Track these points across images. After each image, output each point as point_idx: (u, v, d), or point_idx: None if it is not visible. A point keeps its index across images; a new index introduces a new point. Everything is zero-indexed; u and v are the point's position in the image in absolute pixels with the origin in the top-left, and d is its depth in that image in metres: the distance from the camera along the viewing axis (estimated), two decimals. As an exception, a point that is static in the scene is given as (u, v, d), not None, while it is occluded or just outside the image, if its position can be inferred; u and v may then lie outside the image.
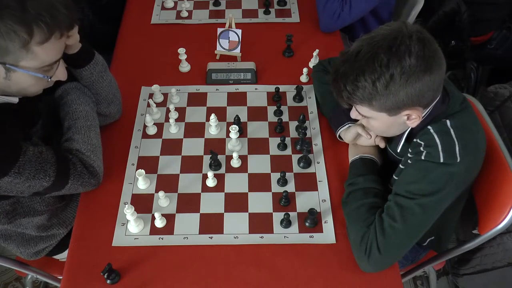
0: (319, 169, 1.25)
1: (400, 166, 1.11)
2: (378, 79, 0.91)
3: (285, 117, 1.38)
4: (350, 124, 1.23)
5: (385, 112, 0.99)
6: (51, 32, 0.92)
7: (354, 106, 1.05)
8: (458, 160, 0.97)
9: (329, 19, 1.61)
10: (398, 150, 1.14)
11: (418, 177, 1.00)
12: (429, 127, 1.02)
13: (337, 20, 1.60)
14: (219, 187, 1.22)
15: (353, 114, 1.08)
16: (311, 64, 1.54)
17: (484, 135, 1.06)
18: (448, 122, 1.01)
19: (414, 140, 1.05)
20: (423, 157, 1.00)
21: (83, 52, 1.15)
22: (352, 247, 1.06)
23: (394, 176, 1.14)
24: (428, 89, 0.94)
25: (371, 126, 1.08)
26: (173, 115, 1.37)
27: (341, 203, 1.16)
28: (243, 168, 1.26)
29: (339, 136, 1.27)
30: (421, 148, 1.01)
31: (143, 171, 1.18)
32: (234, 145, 1.29)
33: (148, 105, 1.40)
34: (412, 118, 0.99)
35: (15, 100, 1.03)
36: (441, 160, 0.98)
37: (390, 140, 1.19)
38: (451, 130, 1.00)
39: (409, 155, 1.06)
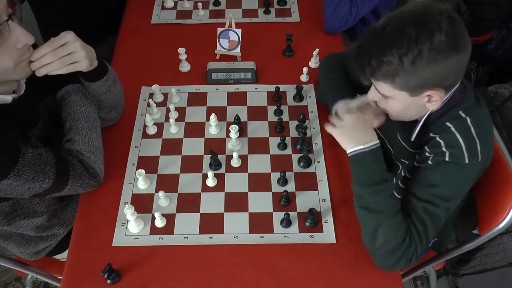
0: (319, 168, 1.25)
1: (415, 164, 1.06)
2: (405, 54, 0.88)
3: (285, 117, 1.38)
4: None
5: (407, 91, 0.95)
6: None
7: (373, 85, 1.01)
8: (480, 159, 0.97)
9: (337, 23, 1.61)
10: (412, 139, 1.09)
11: (443, 180, 0.98)
12: (449, 124, 0.99)
13: (344, 24, 1.61)
14: (219, 187, 1.21)
15: (371, 94, 1.03)
16: (311, 64, 1.54)
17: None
18: (468, 120, 0.98)
19: (431, 135, 1.02)
20: (447, 158, 0.98)
21: (97, 70, 1.14)
22: (379, 250, 1.00)
23: (405, 173, 1.10)
24: (453, 70, 0.91)
25: (389, 107, 1.03)
26: (173, 115, 1.37)
27: (342, 204, 1.15)
28: (243, 168, 1.26)
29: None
30: (443, 149, 0.99)
31: (143, 171, 1.17)
32: (234, 145, 1.29)
33: (148, 105, 1.40)
34: (433, 100, 0.96)
35: (8, 98, 1.02)
36: (466, 161, 0.96)
37: (400, 130, 1.15)
38: (472, 129, 0.98)
39: (427, 154, 1.02)
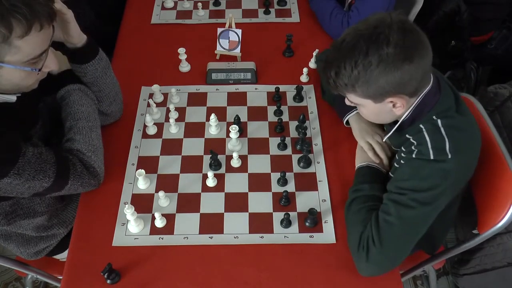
0: (319, 169, 1.25)
1: (395, 164, 1.12)
2: (356, 67, 0.94)
3: (285, 117, 1.38)
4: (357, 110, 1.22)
5: (370, 99, 1.00)
6: (30, 24, 0.88)
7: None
8: (449, 156, 0.98)
9: (339, 29, 1.58)
10: (384, 140, 1.17)
11: (410, 174, 1.02)
12: (421, 126, 1.03)
13: (347, 26, 1.56)
14: (219, 187, 1.22)
15: (347, 101, 1.09)
16: (311, 64, 1.54)
17: (479, 136, 1.06)
18: (439, 121, 1.01)
19: (407, 136, 1.06)
20: (414, 155, 1.02)
21: (88, 46, 1.15)
22: (352, 250, 1.05)
23: (390, 174, 1.15)
24: (410, 78, 0.94)
25: (362, 113, 1.10)
26: (173, 115, 1.37)
27: (342, 204, 1.15)
28: (243, 168, 1.26)
29: (347, 122, 1.28)
30: (413, 147, 1.03)
31: (143, 171, 1.18)
32: (234, 145, 1.29)
33: (148, 105, 1.40)
34: (397, 106, 1.01)
35: (13, 98, 1.02)
36: (431, 157, 0.99)
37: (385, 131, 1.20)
38: (442, 129, 1.00)
39: (402, 154, 1.07)
